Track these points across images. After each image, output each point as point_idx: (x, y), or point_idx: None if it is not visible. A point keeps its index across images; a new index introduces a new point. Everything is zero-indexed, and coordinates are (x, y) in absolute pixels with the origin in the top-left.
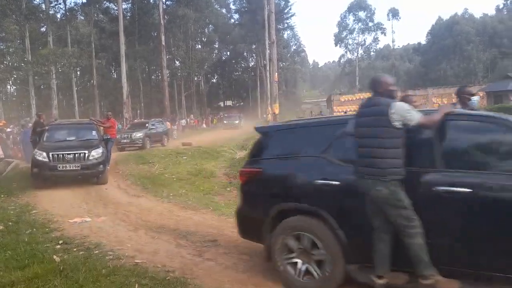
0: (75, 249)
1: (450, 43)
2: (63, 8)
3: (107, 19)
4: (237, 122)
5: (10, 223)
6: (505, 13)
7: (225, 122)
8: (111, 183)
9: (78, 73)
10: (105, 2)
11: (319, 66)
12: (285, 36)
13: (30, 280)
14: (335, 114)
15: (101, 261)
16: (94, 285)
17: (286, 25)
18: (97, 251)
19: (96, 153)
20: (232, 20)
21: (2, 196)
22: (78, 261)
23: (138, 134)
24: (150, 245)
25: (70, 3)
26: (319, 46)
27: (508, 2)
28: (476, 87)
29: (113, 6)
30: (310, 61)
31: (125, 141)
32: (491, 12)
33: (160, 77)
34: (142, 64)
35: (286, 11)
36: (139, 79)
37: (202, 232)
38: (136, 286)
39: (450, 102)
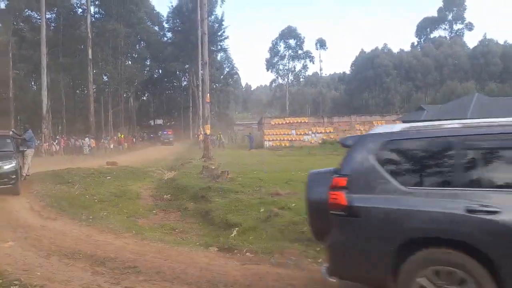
0: None
1: (371, 74)
2: None
3: (28, 28)
4: (171, 139)
5: None
6: (419, 49)
7: (162, 138)
8: (23, 205)
9: None
10: (27, 10)
11: (252, 89)
12: (219, 58)
13: None
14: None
15: None
16: None
17: (219, 47)
18: (0, 281)
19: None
20: (165, 39)
21: None
22: None
23: (9, 166)
24: (63, 273)
25: None
26: (252, 70)
27: (422, 40)
28: (393, 116)
29: (36, 15)
30: (243, 84)
31: None
32: (407, 48)
33: (85, 91)
34: (66, 77)
35: (219, 33)
36: (62, 93)
37: (122, 258)
38: None
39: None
